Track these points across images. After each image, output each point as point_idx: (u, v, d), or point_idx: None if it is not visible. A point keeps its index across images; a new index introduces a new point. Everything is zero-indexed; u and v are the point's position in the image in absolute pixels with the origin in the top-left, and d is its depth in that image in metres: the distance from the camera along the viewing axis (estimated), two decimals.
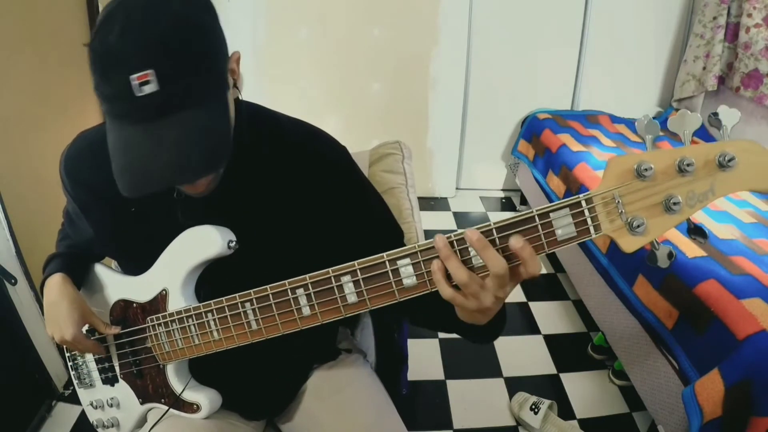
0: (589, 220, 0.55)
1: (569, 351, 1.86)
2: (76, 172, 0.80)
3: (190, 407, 0.80)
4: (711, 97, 2.65)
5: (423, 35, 2.70)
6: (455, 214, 2.87)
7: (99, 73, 0.60)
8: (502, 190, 3.15)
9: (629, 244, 0.55)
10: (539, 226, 0.56)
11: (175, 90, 0.59)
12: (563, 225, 0.55)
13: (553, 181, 2.27)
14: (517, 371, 1.76)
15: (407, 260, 0.60)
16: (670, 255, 0.56)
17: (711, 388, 1.12)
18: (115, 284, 0.83)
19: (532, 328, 1.98)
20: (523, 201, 2.84)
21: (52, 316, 0.80)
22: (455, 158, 3.01)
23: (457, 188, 3.11)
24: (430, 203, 2.98)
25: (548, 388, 1.70)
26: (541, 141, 2.51)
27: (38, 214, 1.52)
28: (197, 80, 0.61)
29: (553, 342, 1.91)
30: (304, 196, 0.77)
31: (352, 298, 0.64)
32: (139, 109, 0.59)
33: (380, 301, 0.63)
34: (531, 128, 2.69)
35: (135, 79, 0.57)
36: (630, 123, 2.72)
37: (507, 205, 3.00)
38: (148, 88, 0.58)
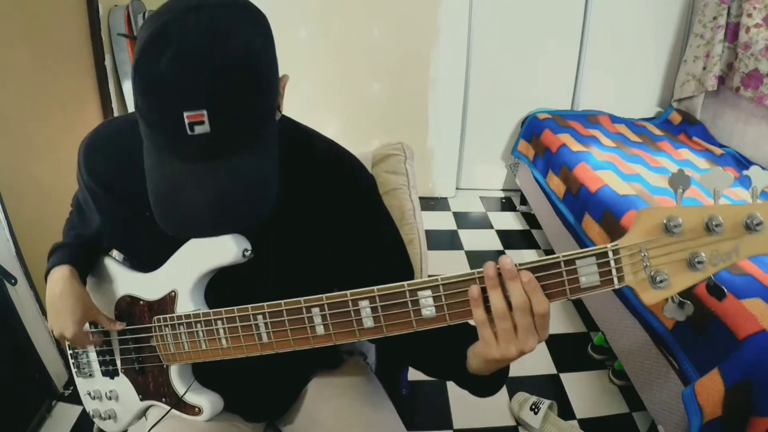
0: (614, 271, 0.55)
1: (569, 351, 1.86)
2: (94, 162, 0.77)
3: (192, 410, 0.80)
4: (711, 97, 2.66)
5: (423, 35, 2.70)
6: (455, 214, 2.87)
7: (144, 99, 0.56)
8: (502, 190, 3.15)
9: (650, 297, 0.55)
10: (564, 272, 0.56)
11: (228, 134, 0.56)
12: (588, 273, 0.56)
13: (553, 181, 2.27)
14: (517, 371, 1.76)
15: (428, 292, 0.60)
16: (687, 310, 0.56)
17: (711, 388, 1.12)
18: (123, 278, 0.83)
19: None
20: (523, 201, 2.84)
21: (54, 310, 0.79)
22: (455, 158, 3.01)
23: (457, 188, 3.11)
24: (430, 203, 2.98)
25: (548, 388, 1.70)
26: (541, 141, 2.51)
27: (38, 214, 1.52)
28: (251, 122, 0.58)
29: (553, 342, 1.91)
30: (323, 215, 0.76)
31: (368, 323, 0.64)
32: (187, 149, 0.56)
33: (397, 329, 0.63)
34: (531, 128, 2.69)
35: (187, 117, 0.53)
36: (630, 123, 2.72)
37: (507, 205, 3.00)
38: (200, 129, 0.54)
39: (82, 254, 0.84)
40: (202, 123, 0.54)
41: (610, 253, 0.55)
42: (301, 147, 0.77)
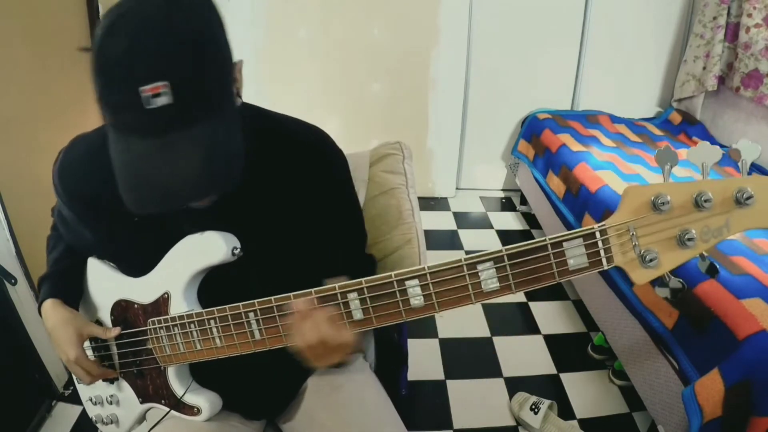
0: (602, 252, 0.55)
1: (569, 351, 1.86)
2: (72, 182, 0.78)
3: (191, 410, 0.80)
4: (711, 97, 2.65)
5: (423, 35, 2.69)
6: (455, 214, 2.87)
7: (104, 83, 0.58)
8: (502, 190, 3.15)
9: (640, 276, 0.54)
10: (551, 255, 0.55)
11: (188, 102, 0.58)
12: (576, 255, 0.55)
13: (553, 181, 2.27)
14: (517, 371, 1.76)
15: (416, 281, 0.60)
16: (681, 287, 0.55)
17: (711, 388, 1.12)
18: (117, 284, 0.83)
19: (532, 328, 1.98)
20: (523, 201, 2.84)
21: (54, 341, 0.81)
22: (455, 158, 3.01)
23: (457, 188, 3.11)
24: (430, 203, 2.98)
25: (548, 388, 1.70)
26: (541, 141, 2.51)
27: (38, 214, 1.51)
28: (209, 92, 0.60)
29: (553, 342, 1.91)
30: (300, 194, 0.78)
31: (357, 315, 0.64)
32: (149, 123, 0.57)
33: (386, 320, 0.63)
34: (531, 128, 2.69)
35: (146, 90, 0.55)
36: (630, 123, 2.72)
37: (507, 205, 3.00)
38: (161, 101, 0.55)
39: (65, 280, 0.85)
40: (160, 95, 0.55)
41: (598, 234, 0.54)
42: (273, 134, 0.78)
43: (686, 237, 0.52)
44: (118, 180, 0.61)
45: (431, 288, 0.60)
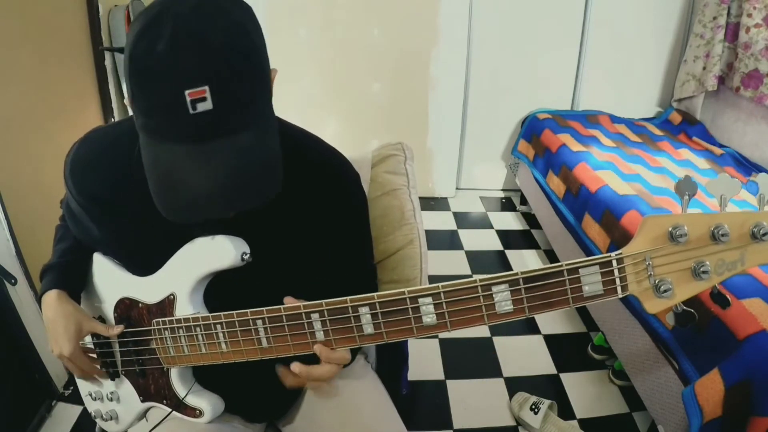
0: (617, 280, 0.55)
1: (569, 351, 1.86)
2: (82, 178, 0.77)
3: (193, 412, 0.80)
4: (711, 97, 2.66)
5: (423, 35, 2.70)
6: (455, 214, 2.87)
7: (142, 85, 0.55)
8: (502, 190, 3.15)
9: (653, 305, 0.55)
10: (567, 281, 0.56)
11: (231, 109, 0.55)
12: (591, 282, 0.56)
13: (553, 181, 2.27)
14: (517, 371, 1.76)
15: (429, 299, 0.60)
16: (691, 319, 0.55)
17: (711, 388, 1.12)
18: (122, 281, 0.82)
19: (532, 328, 1.98)
20: (523, 201, 2.84)
21: (51, 332, 0.80)
22: (455, 158, 3.01)
23: (457, 188, 3.11)
24: (430, 203, 2.98)
25: (548, 388, 1.70)
26: (541, 141, 2.51)
27: (38, 214, 1.52)
28: (252, 99, 0.58)
29: (553, 342, 1.91)
30: (312, 212, 0.78)
31: (368, 330, 0.64)
32: (189, 129, 0.55)
33: (397, 335, 0.63)
34: (531, 128, 2.69)
35: (188, 95, 0.53)
36: (630, 123, 2.72)
37: (507, 205, 3.00)
38: (203, 106, 0.53)
39: (71, 271, 0.84)
40: (204, 100, 0.54)
41: (614, 262, 0.55)
42: (293, 149, 0.77)
43: (701, 269, 0.52)
44: (149, 184, 0.59)
45: (444, 307, 0.60)
